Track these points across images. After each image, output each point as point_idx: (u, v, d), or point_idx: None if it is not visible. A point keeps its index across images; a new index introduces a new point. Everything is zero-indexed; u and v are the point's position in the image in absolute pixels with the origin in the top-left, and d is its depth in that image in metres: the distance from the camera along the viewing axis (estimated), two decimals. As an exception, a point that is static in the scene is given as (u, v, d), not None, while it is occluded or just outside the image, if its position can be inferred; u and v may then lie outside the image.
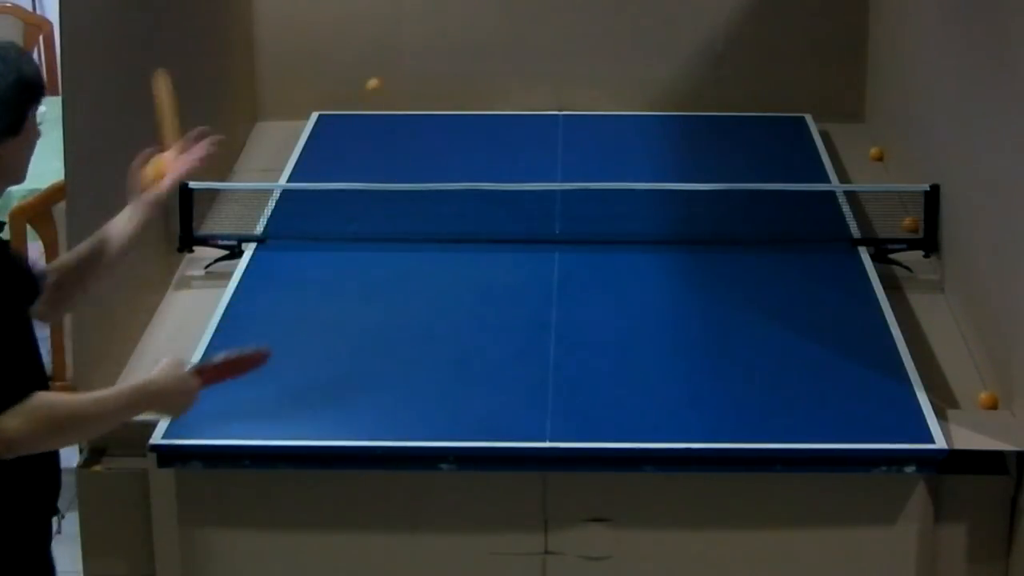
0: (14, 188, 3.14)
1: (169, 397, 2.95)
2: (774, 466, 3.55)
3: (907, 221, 4.68)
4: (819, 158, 5.13)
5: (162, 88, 3.50)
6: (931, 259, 4.51)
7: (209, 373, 3.06)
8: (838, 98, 5.63)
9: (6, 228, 2.92)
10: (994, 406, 3.79)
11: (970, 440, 3.55)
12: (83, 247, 3.18)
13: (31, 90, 2.75)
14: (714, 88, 5.65)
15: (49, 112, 3.35)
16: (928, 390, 3.72)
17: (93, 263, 3.16)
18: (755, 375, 3.83)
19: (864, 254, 4.44)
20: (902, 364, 3.83)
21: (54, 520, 2.98)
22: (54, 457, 2.90)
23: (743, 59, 5.65)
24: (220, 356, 3.13)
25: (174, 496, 3.61)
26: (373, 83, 4.27)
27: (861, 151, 5.35)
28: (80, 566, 3.73)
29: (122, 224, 3.25)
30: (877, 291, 4.21)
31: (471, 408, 3.69)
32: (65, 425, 2.74)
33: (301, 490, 3.63)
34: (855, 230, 4.58)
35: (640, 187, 4.71)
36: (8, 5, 6.72)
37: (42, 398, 2.70)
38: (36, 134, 2.83)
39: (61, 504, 3.02)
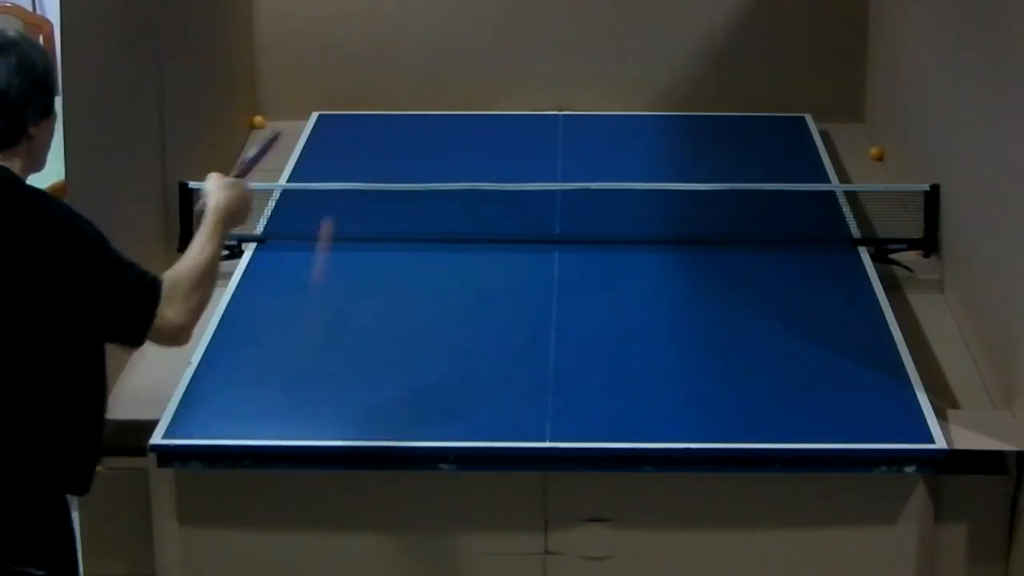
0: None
1: (238, 212, 3.15)
2: (774, 466, 3.55)
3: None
4: (819, 158, 5.13)
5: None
6: (931, 259, 4.51)
7: (244, 170, 3.25)
8: (838, 98, 5.63)
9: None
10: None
11: (970, 440, 3.55)
12: None
13: (55, 72, 2.90)
14: (714, 88, 5.65)
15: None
16: (928, 390, 3.72)
17: None
18: (755, 375, 3.82)
19: (864, 254, 4.44)
20: (902, 364, 3.83)
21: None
22: (97, 434, 2.93)
23: (743, 59, 5.65)
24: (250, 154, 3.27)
25: (174, 496, 3.61)
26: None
27: (861, 151, 5.35)
28: (80, 566, 3.72)
29: None
30: (877, 291, 4.21)
31: (471, 408, 3.69)
32: (202, 282, 2.92)
33: (301, 490, 3.63)
34: (855, 230, 4.58)
35: (640, 187, 4.71)
36: (8, 5, 6.72)
37: (172, 277, 2.89)
38: (56, 118, 2.94)
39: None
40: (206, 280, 2.95)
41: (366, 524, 3.64)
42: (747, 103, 5.58)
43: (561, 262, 4.40)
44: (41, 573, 2.80)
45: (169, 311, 2.83)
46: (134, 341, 2.86)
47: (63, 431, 2.81)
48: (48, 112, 2.87)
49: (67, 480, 2.89)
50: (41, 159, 2.91)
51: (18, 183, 2.79)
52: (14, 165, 2.81)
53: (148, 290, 2.83)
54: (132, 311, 2.81)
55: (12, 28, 2.91)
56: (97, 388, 2.89)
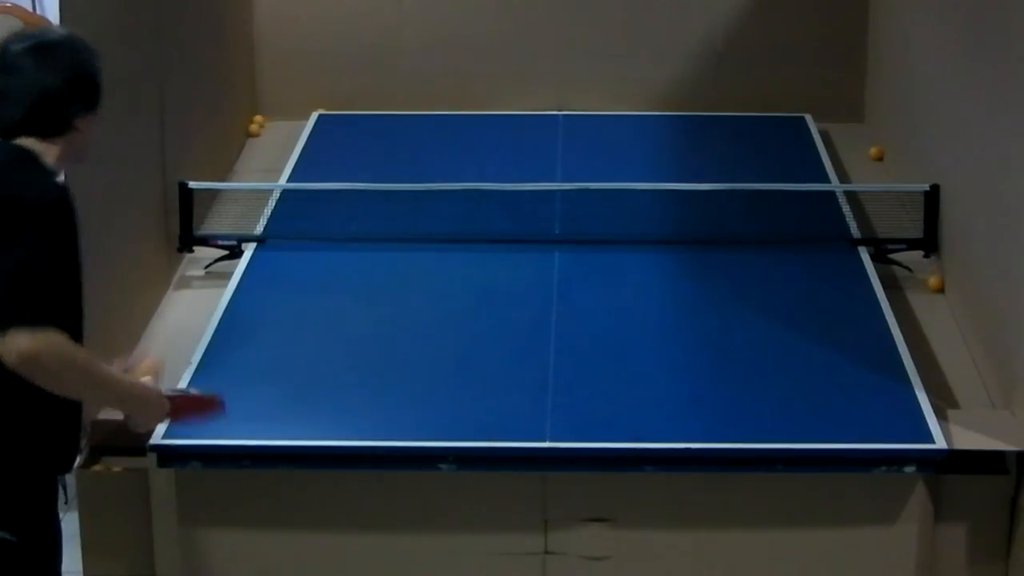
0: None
1: (149, 410, 3.02)
2: (774, 466, 3.55)
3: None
4: (819, 158, 5.14)
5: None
6: (931, 259, 4.51)
7: (179, 402, 3.08)
8: (838, 98, 5.63)
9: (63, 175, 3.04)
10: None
11: (970, 440, 3.55)
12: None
13: (101, 72, 2.96)
14: (714, 88, 5.65)
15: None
16: (928, 390, 3.72)
17: None
18: (755, 375, 3.82)
19: (864, 254, 4.44)
20: (902, 364, 3.83)
21: (60, 488, 3.01)
22: (76, 415, 2.94)
23: (743, 59, 5.65)
24: (193, 391, 3.19)
25: (174, 496, 3.61)
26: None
27: (861, 151, 5.35)
28: (80, 566, 3.73)
29: None
30: (877, 291, 4.21)
31: (471, 408, 3.69)
32: (73, 369, 2.79)
33: (301, 490, 3.63)
34: (855, 230, 4.58)
35: (640, 187, 4.71)
36: (8, 5, 6.72)
37: (63, 336, 2.76)
38: (100, 117, 2.99)
39: (60, 505, 3.03)
40: (76, 380, 2.79)
41: (366, 524, 3.64)
42: (747, 103, 5.58)
43: (561, 262, 4.40)
44: (8, 535, 2.81)
45: (25, 340, 2.70)
46: None
47: (40, 404, 2.81)
48: (94, 107, 2.93)
49: (47, 455, 2.89)
50: (84, 153, 2.97)
51: (28, 158, 2.83)
52: (49, 152, 2.86)
53: (27, 306, 2.72)
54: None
55: (62, 28, 3.05)
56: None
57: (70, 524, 3.82)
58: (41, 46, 2.89)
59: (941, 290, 4.41)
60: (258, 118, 5.66)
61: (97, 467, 3.70)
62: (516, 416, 3.65)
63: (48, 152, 2.87)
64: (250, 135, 5.54)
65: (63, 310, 2.79)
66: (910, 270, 4.47)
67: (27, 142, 2.86)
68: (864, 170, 5.21)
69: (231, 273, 4.37)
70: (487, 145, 5.31)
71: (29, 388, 2.77)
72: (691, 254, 4.47)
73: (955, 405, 3.82)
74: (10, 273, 2.73)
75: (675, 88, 5.67)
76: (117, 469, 3.69)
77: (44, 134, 2.87)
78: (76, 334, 2.85)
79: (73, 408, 2.92)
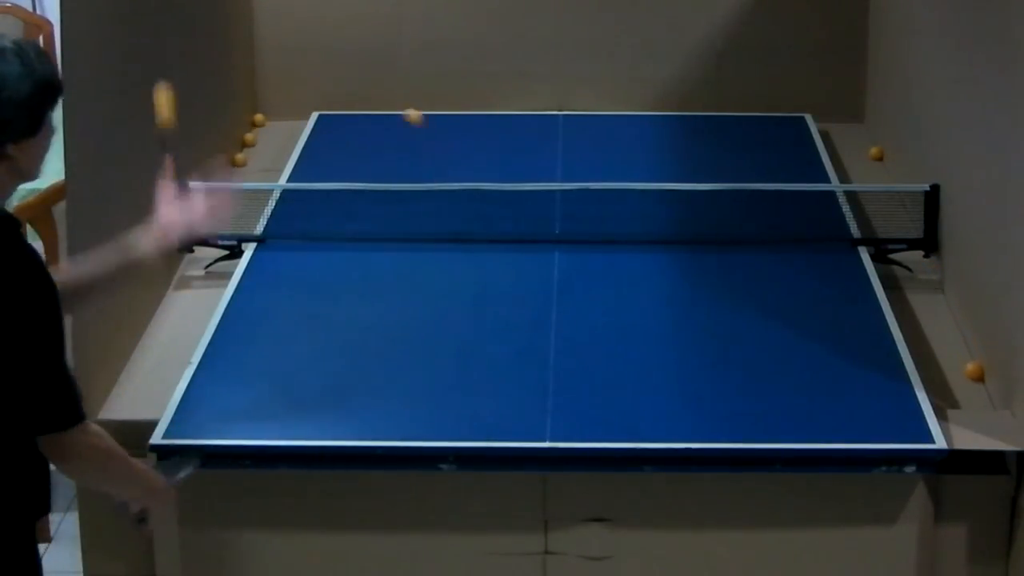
0: (14, 189, 3.13)
1: (156, 501, 3.10)
2: (774, 466, 3.55)
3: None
4: (819, 158, 5.13)
5: (163, 99, 3.48)
6: (931, 259, 4.51)
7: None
8: (838, 98, 5.63)
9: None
10: (980, 377, 3.84)
11: (970, 440, 3.55)
12: (86, 266, 3.12)
13: (50, 91, 2.72)
14: (714, 88, 5.65)
15: (49, 112, 3.35)
16: (928, 390, 3.72)
17: (88, 282, 3.12)
18: (755, 375, 3.82)
19: (864, 254, 4.44)
20: (902, 364, 3.83)
21: (49, 522, 2.99)
22: (45, 461, 2.90)
23: (743, 59, 5.65)
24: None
25: (174, 496, 3.60)
26: (413, 115, 4.33)
27: (861, 151, 5.35)
28: (80, 566, 3.73)
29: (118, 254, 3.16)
30: (877, 291, 4.21)
31: (471, 408, 3.69)
32: (113, 464, 2.88)
33: (301, 490, 3.63)
34: (855, 230, 4.58)
35: (640, 187, 4.71)
36: (8, 5, 6.72)
37: (101, 431, 2.82)
38: (52, 132, 2.80)
39: (61, 504, 3.02)
40: (117, 471, 2.91)
41: (366, 524, 3.64)
42: (747, 103, 5.58)
43: (561, 262, 4.40)
44: None
45: (81, 439, 2.78)
46: (30, 433, 2.75)
47: (11, 452, 2.77)
48: (33, 131, 2.69)
49: (24, 500, 2.85)
50: (32, 173, 2.78)
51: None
52: None
53: (63, 403, 2.75)
54: (48, 408, 2.72)
55: (8, 36, 2.71)
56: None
57: (70, 524, 3.83)
58: None
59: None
60: (255, 126, 5.64)
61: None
62: (516, 416, 3.65)
63: (1, 188, 2.71)
64: (246, 145, 5.48)
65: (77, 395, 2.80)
66: (910, 270, 4.47)
67: None
68: (864, 170, 5.21)
69: (231, 273, 4.37)
70: (487, 145, 5.31)
71: (7, 437, 2.73)
72: (691, 254, 4.47)
73: (955, 405, 3.82)
74: (39, 368, 2.69)
75: (675, 88, 5.66)
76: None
77: None
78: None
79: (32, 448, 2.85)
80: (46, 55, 2.76)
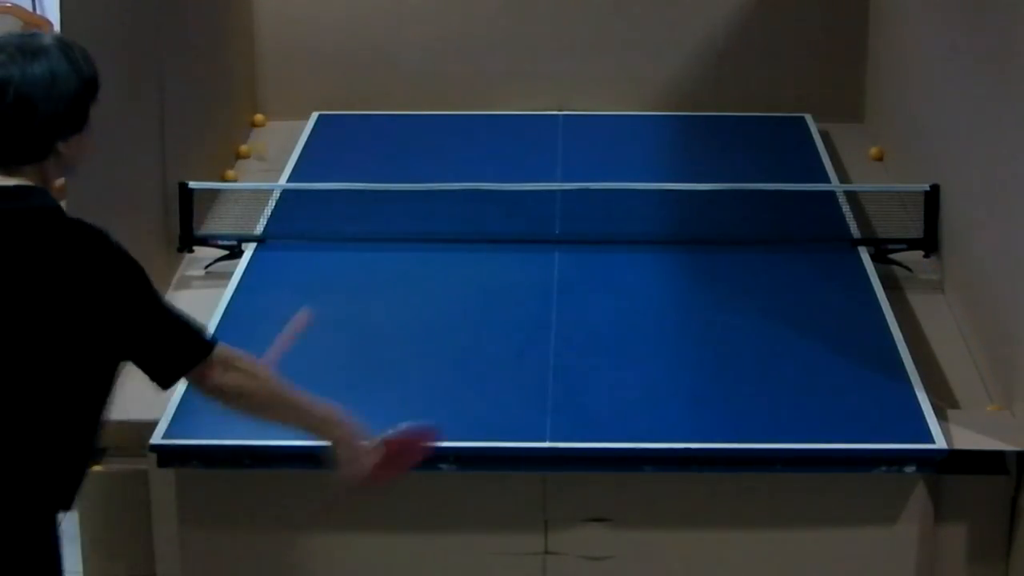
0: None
1: (350, 452, 2.98)
2: (774, 466, 3.55)
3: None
4: (819, 158, 5.14)
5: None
6: (931, 259, 4.51)
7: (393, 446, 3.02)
8: (838, 98, 5.63)
9: None
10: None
11: (970, 440, 3.55)
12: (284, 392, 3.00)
13: (93, 87, 2.74)
14: (714, 88, 5.65)
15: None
16: (928, 390, 3.72)
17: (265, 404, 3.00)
18: (755, 375, 3.82)
19: (864, 254, 4.44)
20: (902, 364, 3.83)
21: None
22: (81, 453, 2.90)
23: (743, 59, 5.65)
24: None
25: (174, 496, 3.61)
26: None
27: (861, 151, 5.35)
28: (80, 566, 3.72)
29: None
30: (877, 291, 4.21)
31: (471, 408, 3.69)
32: (265, 373, 2.89)
33: (301, 490, 3.63)
34: (855, 230, 4.58)
35: (640, 187, 4.71)
36: (8, 5, 6.72)
37: (258, 361, 2.88)
38: (92, 129, 2.81)
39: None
40: (273, 405, 2.92)
41: (366, 524, 3.64)
42: (747, 103, 5.58)
43: (561, 262, 4.40)
44: None
45: (233, 378, 2.85)
46: (164, 384, 2.84)
47: (62, 451, 2.77)
48: (81, 127, 2.70)
49: (56, 497, 2.83)
50: (76, 169, 2.79)
51: (57, 214, 2.68)
52: (39, 181, 2.69)
53: (196, 343, 2.82)
54: (176, 356, 2.79)
55: (47, 34, 2.73)
56: (100, 412, 2.86)
57: (70, 524, 3.82)
58: (22, 53, 2.63)
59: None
60: (255, 126, 5.64)
61: (97, 467, 3.70)
62: (516, 416, 3.65)
63: (47, 184, 2.70)
64: (240, 156, 5.42)
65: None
66: (910, 270, 4.47)
67: (20, 181, 2.66)
68: (864, 170, 5.21)
69: (231, 273, 4.37)
70: (487, 145, 5.31)
71: (30, 428, 2.71)
72: (691, 254, 4.47)
73: (955, 405, 3.82)
74: (160, 315, 2.76)
75: (675, 88, 5.67)
76: (117, 469, 3.69)
77: (22, 161, 2.65)
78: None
79: (75, 446, 2.84)
80: (86, 51, 2.77)
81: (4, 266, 2.62)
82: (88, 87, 2.72)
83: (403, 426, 3.07)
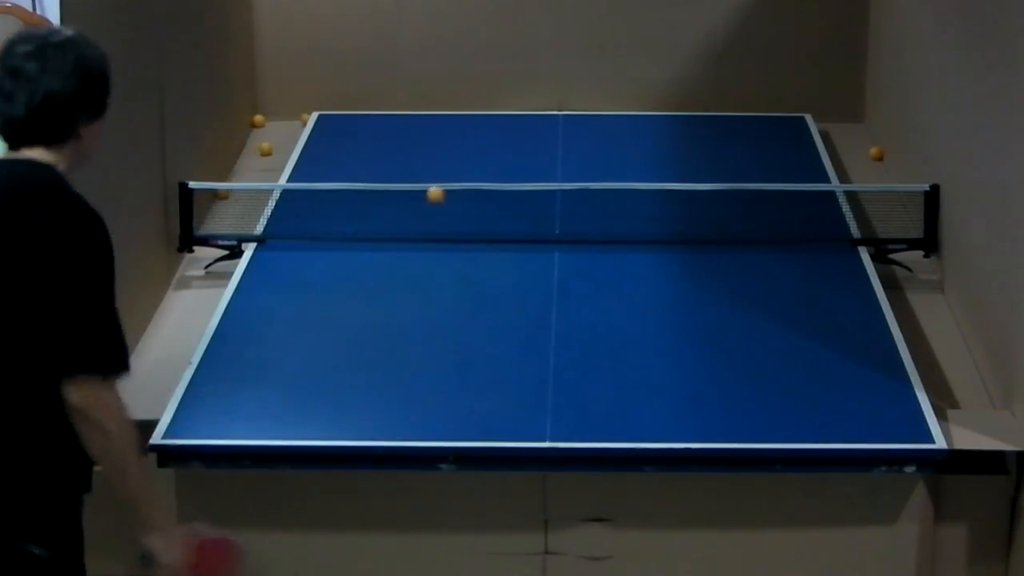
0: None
1: (167, 540, 2.92)
2: (774, 466, 3.54)
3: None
4: (819, 158, 5.14)
5: None
6: (931, 259, 4.51)
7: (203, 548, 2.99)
8: (838, 98, 5.63)
9: None
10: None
11: (970, 440, 3.55)
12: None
13: (109, 77, 2.93)
14: (714, 88, 5.65)
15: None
16: (928, 390, 3.72)
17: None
18: (755, 375, 3.82)
19: (864, 254, 4.44)
20: (902, 364, 3.83)
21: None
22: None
23: (743, 59, 5.65)
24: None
25: (174, 496, 3.61)
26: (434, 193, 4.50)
27: (861, 151, 5.35)
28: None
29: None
30: (877, 291, 4.21)
31: (471, 408, 3.69)
32: (130, 440, 2.82)
33: (301, 490, 3.63)
34: (855, 230, 4.58)
35: (640, 187, 4.71)
36: (8, 5, 6.72)
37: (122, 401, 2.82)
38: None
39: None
40: (120, 451, 2.81)
41: (366, 524, 3.64)
42: (747, 103, 5.58)
43: (561, 262, 4.40)
44: (41, 551, 2.81)
45: (116, 399, 2.78)
46: (63, 374, 2.76)
47: (68, 429, 2.81)
48: (100, 113, 2.87)
49: (74, 475, 2.89)
50: (89, 156, 2.91)
51: (55, 180, 2.80)
52: (60, 162, 2.82)
53: (101, 352, 2.77)
54: (86, 351, 2.75)
55: (68, 28, 2.92)
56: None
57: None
58: (46, 48, 2.81)
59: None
60: (255, 127, 5.64)
61: (98, 467, 3.69)
62: (516, 416, 3.65)
63: (60, 164, 2.82)
64: (264, 154, 5.42)
65: (124, 349, 2.83)
66: (910, 270, 4.47)
67: (37, 154, 2.80)
68: (864, 170, 5.21)
69: (231, 273, 4.37)
70: (487, 145, 5.31)
71: (58, 415, 2.76)
72: (691, 254, 4.47)
73: (955, 405, 3.82)
74: (81, 317, 2.74)
75: (675, 88, 5.67)
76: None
77: (48, 142, 2.81)
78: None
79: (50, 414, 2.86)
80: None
81: None
82: (108, 76, 2.89)
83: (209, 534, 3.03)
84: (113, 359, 2.78)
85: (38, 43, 2.82)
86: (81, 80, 2.81)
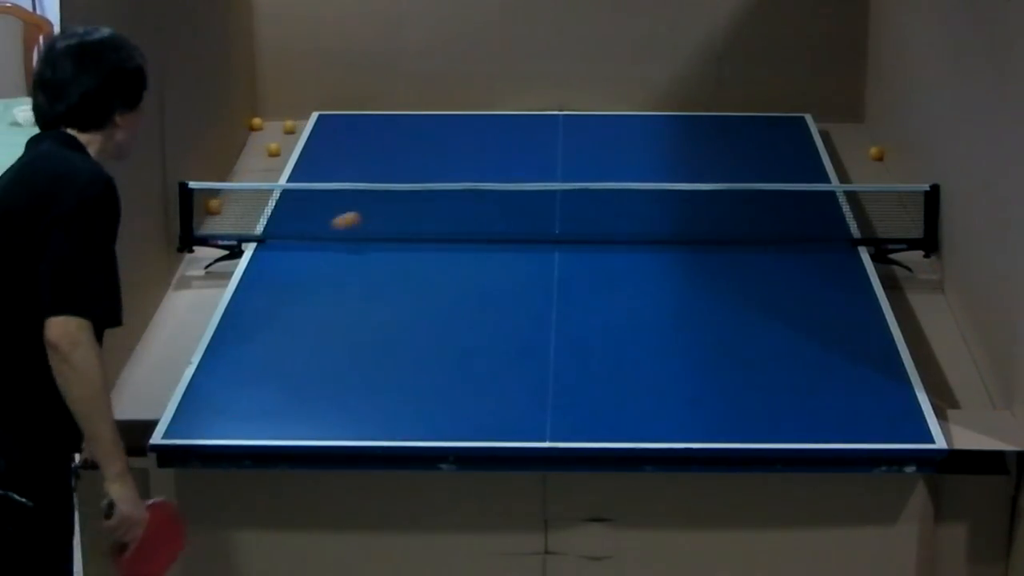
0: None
1: (129, 503, 3.01)
2: (774, 466, 3.55)
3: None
4: (819, 158, 5.13)
5: None
6: (931, 259, 4.51)
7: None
8: (838, 98, 5.63)
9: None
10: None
11: (970, 440, 3.55)
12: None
13: (145, 72, 3.16)
14: (714, 88, 5.65)
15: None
16: (928, 390, 3.72)
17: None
18: (755, 375, 3.82)
19: (864, 254, 4.44)
20: (902, 364, 3.83)
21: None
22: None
23: (743, 59, 5.65)
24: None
25: (174, 496, 3.61)
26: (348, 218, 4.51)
27: (861, 151, 5.35)
28: (80, 566, 3.72)
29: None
30: (877, 291, 4.21)
31: (471, 408, 3.69)
32: (98, 384, 2.91)
33: (301, 490, 3.63)
34: (855, 230, 4.58)
35: (640, 187, 4.71)
36: (8, 5, 6.73)
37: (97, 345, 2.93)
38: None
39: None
40: (89, 390, 2.90)
41: (366, 524, 3.64)
42: (747, 103, 5.58)
43: (561, 262, 4.40)
44: (24, 500, 2.90)
45: (85, 335, 2.88)
46: (47, 313, 2.88)
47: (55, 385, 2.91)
48: (135, 105, 3.11)
49: (62, 431, 2.98)
50: (125, 149, 3.15)
51: (76, 144, 3.00)
52: (91, 144, 3.03)
53: (80, 295, 2.89)
54: (72, 294, 2.88)
55: (106, 28, 3.18)
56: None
57: (70, 524, 3.81)
58: (83, 46, 3.06)
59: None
60: (253, 129, 5.64)
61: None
62: (516, 416, 3.65)
63: (91, 144, 3.04)
64: (271, 154, 5.40)
65: (113, 300, 2.96)
66: (910, 270, 4.47)
67: (70, 131, 3.02)
68: (864, 170, 5.21)
69: (231, 273, 4.37)
70: (487, 145, 5.31)
71: (47, 371, 2.87)
72: (691, 254, 4.47)
73: (955, 405, 3.81)
74: (69, 260, 2.89)
75: (675, 88, 5.67)
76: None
77: (84, 127, 3.04)
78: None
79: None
80: None
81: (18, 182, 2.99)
82: (144, 72, 3.13)
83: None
84: (97, 304, 2.91)
85: (76, 40, 3.07)
86: (114, 74, 3.06)
